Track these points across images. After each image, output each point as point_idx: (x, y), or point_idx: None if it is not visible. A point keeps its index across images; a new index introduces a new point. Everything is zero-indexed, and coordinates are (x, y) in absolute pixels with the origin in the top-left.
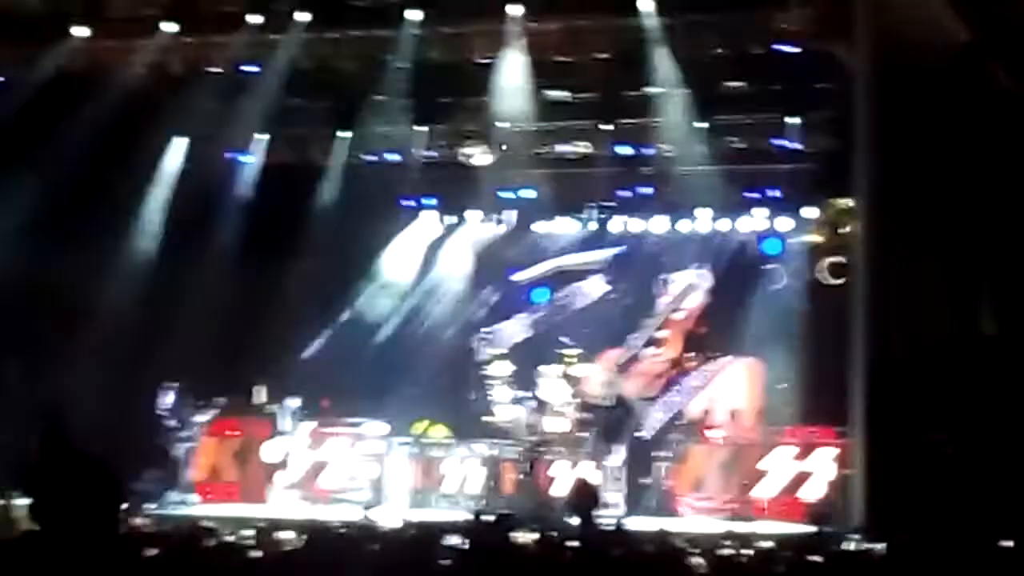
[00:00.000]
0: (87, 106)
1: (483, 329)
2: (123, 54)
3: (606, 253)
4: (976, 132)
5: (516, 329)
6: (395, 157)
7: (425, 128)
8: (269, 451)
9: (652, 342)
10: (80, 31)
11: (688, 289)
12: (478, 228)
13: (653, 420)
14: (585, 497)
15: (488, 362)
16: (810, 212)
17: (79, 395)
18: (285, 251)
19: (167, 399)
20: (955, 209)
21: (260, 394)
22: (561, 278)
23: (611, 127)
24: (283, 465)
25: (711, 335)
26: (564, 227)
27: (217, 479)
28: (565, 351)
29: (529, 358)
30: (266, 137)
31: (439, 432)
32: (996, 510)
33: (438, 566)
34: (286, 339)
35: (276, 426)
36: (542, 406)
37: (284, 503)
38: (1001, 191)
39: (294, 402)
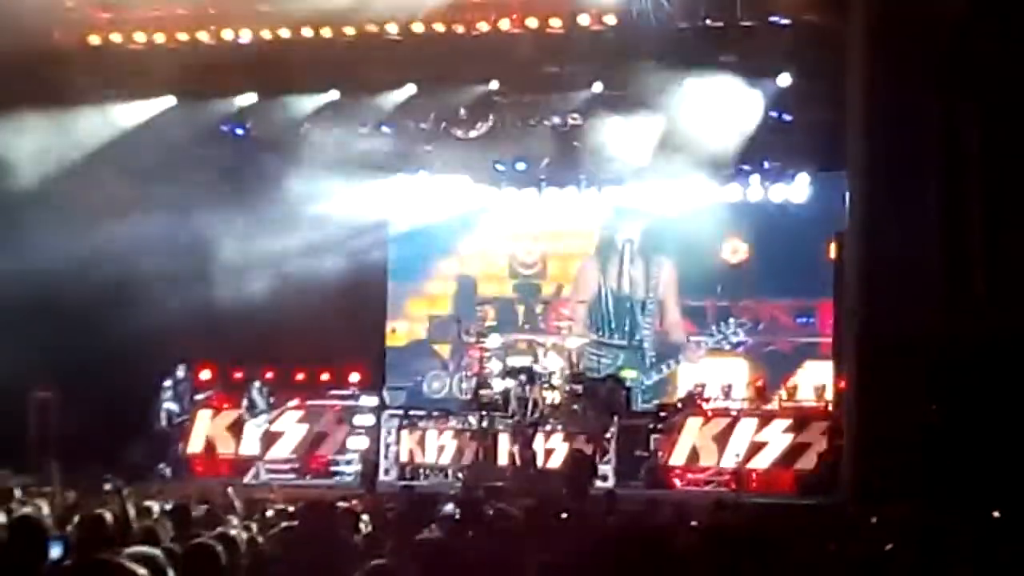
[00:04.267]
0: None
1: (478, 306)
2: (114, 24)
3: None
4: (968, 100)
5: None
6: (388, 129)
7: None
8: (249, 428)
9: None
10: None
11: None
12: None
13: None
14: (581, 468)
15: (483, 335)
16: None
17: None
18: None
19: (176, 375)
20: (948, 178)
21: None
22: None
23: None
24: (273, 439)
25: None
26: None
27: (212, 452)
28: (560, 324)
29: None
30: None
31: None
32: (985, 480)
33: (431, 535)
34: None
35: (252, 403)
36: (535, 378)
37: (276, 476)
38: (993, 161)
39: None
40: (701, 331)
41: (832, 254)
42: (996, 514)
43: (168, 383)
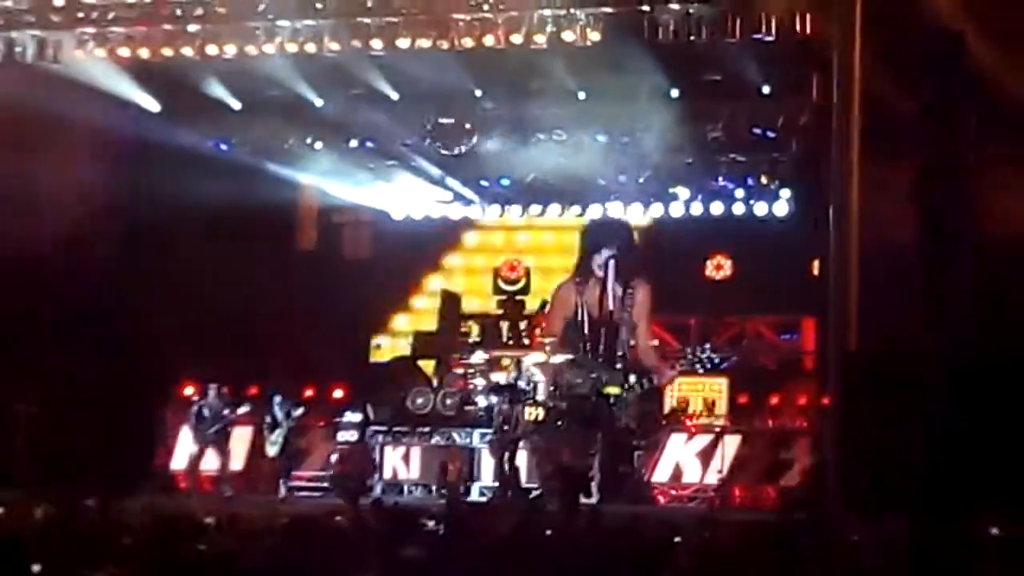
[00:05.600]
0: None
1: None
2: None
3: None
4: (957, 115)
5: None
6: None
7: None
8: (268, 444)
9: None
10: None
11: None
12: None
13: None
14: (569, 484)
15: (468, 351)
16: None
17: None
18: (262, 237)
19: (207, 395)
20: (932, 195)
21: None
22: None
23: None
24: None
25: None
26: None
27: (195, 468)
28: (544, 339)
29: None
30: (243, 122)
31: None
32: (972, 495)
33: (415, 552)
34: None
35: (271, 418)
36: (519, 395)
37: (265, 492)
38: (983, 175)
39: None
40: (682, 349)
41: (815, 271)
42: (995, 531)
43: (201, 401)
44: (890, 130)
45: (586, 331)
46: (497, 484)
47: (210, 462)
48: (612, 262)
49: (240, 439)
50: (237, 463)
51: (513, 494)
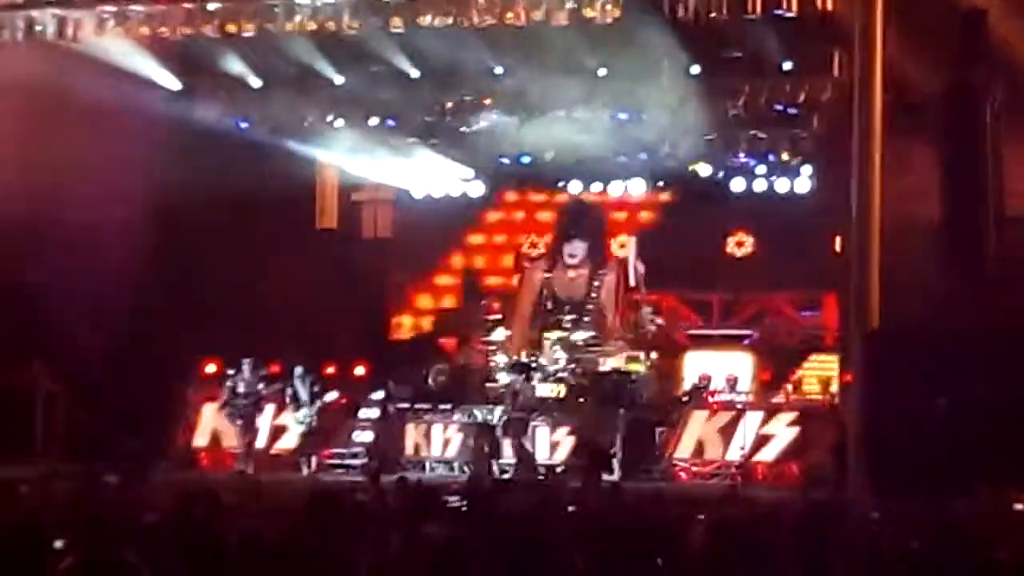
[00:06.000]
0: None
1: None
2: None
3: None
4: (975, 92)
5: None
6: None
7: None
8: (288, 419)
9: None
10: None
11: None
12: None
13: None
14: (594, 461)
15: (489, 328)
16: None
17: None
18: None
19: (241, 371)
20: (954, 171)
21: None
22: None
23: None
24: (284, 432)
25: None
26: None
27: (217, 445)
28: (563, 317)
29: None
30: (262, 100)
31: None
32: (990, 473)
33: (436, 528)
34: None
35: (294, 394)
36: (540, 371)
37: (284, 468)
38: (1003, 153)
39: (299, 369)
40: (705, 326)
41: (838, 247)
42: (1019, 507)
43: (237, 376)
44: (912, 106)
45: (550, 314)
46: (518, 460)
47: (242, 437)
48: (582, 247)
49: (268, 416)
50: (264, 439)
51: (534, 471)
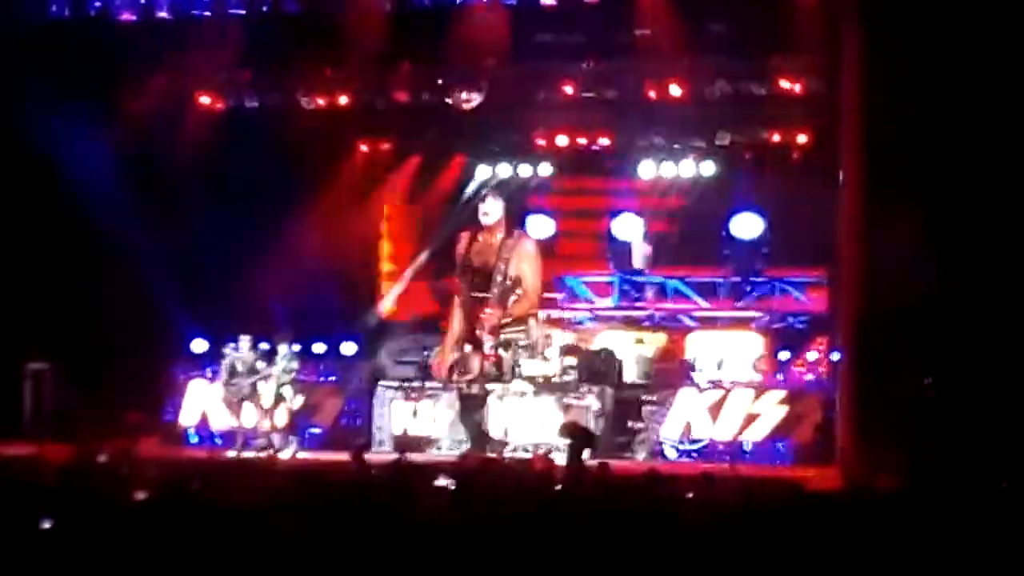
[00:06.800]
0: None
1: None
2: None
3: None
4: (965, 72)
5: None
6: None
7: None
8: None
9: None
10: None
11: None
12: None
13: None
14: (579, 438)
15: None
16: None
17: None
18: (268, 195)
19: (238, 348)
20: (943, 155)
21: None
22: None
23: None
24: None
25: None
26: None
27: (205, 423)
28: (555, 296)
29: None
30: (251, 80)
31: None
32: (979, 454)
33: (426, 507)
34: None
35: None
36: (529, 350)
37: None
38: (990, 134)
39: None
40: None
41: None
42: (1004, 485)
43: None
44: (899, 90)
45: (468, 279)
46: (505, 439)
47: (243, 417)
48: (496, 206)
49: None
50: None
51: (520, 449)
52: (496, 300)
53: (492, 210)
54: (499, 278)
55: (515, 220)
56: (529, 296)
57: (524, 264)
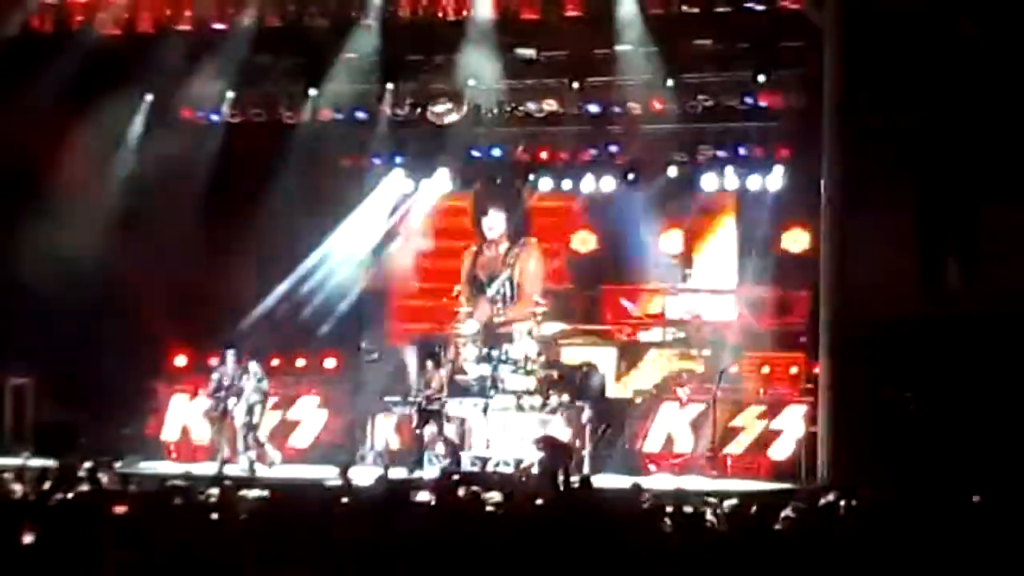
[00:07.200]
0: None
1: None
2: (91, 11)
3: None
4: (943, 87)
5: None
6: (363, 115)
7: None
8: (237, 412)
9: None
10: None
11: None
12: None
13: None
14: (555, 454)
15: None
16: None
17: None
18: (250, 210)
19: (226, 360)
20: (922, 166)
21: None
22: None
23: (579, 85)
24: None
25: None
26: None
27: (187, 438)
28: (535, 309)
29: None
30: (233, 95)
31: None
32: (958, 465)
33: (407, 523)
34: (248, 298)
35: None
36: (510, 364)
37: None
38: (967, 146)
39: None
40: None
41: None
42: (976, 498)
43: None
44: (877, 102)
45: (481, 294)
46: (487, 454)
47: (224, 432)
48: (499, 219)
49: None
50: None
51: (503, 464)
52: (493, 299)
53: (496, 223)
54: (502, 279)
55: (519, 230)
56: (527, 299)
57: (527, 269)
